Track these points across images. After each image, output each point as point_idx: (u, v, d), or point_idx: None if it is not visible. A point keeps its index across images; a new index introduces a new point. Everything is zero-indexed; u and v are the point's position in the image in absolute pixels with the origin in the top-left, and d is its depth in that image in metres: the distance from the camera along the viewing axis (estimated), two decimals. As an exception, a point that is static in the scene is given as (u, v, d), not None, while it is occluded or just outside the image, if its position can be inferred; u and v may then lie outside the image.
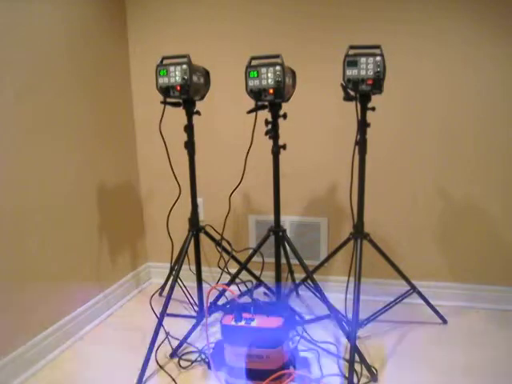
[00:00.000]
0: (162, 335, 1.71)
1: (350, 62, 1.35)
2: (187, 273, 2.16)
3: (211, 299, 1.90)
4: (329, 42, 1.84)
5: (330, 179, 1.97)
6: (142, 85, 2.11)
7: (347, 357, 1.53)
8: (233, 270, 2.09)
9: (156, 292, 1.99)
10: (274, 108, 1.52)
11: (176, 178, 1.71)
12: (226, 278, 1.92)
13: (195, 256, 1.77)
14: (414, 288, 1.72)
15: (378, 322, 1.79)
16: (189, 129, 1.62)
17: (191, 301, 2.04)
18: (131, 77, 2.12)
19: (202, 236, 2.06)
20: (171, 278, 1.97)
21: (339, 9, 1.80)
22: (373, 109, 1.47)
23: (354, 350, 1.40)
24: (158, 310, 1.94)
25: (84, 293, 1.80)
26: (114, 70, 1.97)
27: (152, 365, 1.53)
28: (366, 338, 1.68)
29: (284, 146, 1.57)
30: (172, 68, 1.46)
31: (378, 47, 1.36)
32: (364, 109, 1.46)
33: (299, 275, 2.03)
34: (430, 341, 1.64)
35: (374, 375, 1.42)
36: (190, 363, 1.55)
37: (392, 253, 1.96)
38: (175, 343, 1.65)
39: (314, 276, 1.99)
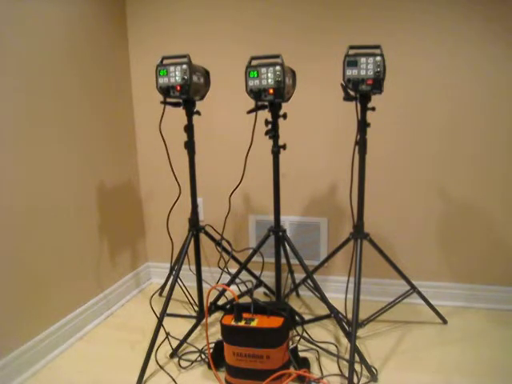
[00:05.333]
0: (161, 335, 1.71)
1: (350, 61, 1.35)
2: (187, 273, 2.16)
3: (211, 299, 1.90)
4: (329, 42, 1.84)
5: (329, 179, 1.97)
6: (142, 85, 2.11)
7: (347, 357, 1.53)
8: (233, 270, 2.10)
9: (156, 292, 1.99)
10: (274, 108, 1.52)
11: (176, 177, 1.71)
12: (226, 278, 1.92)
13: (195, 256, 1.77)
14: (414, 288, 1.71)
15: (377, 322, 1.79)
16: (189, 129, 1.62)
17: (191, 301, 2.04)
18: (131, 77, 2.12)
19: (202, 236, 2.07)
20: (171, 277, 1.98)
21: (339, 8, 1.80)
22: (373, 109, 1.47)
23: (354, 350, 1.40)
24: (158, 310, 1.95)
25: (84, 293, 1.80)
26: (114, 70, 1.97)
27: (152, 365, 1.54)
28: (366, 337, 1.68)
29: (284, 146, 1.57)
30: (172, 68, 1.46)
31: (378, 47, 1.36)
32: (364, 109, 1.46)
33: (299, 275, 2.03)
34: (430, 341, 1.64)
35: (373, 375, 1.42)
36: (190, 363, 1.55)
37: (392, 253, 1.96)
38: (175, 343, 1.65)
39: (314, 276, 2.00)
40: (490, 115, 1.75)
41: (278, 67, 1.38)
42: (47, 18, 1.56)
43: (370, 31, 1.78)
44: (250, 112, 1.52)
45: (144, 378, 1.46)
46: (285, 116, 1.55)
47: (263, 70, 1.40)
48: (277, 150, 1.56)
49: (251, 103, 1.51)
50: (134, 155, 2.17)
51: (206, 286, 2.18)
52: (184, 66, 1.45)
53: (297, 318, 1.72)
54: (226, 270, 1.84)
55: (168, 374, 1.49)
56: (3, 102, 1.39)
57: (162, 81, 1.49)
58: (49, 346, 1.60)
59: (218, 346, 1.48)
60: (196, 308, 1.97)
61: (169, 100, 1.54)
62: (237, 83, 1.96)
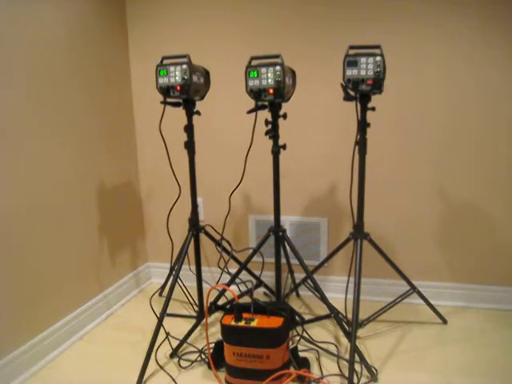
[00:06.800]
0: (162, 335, 1.71)
1: (350, 61, 1.35)
2: (187, 273, 2.16)
3: (211, 299, 1.90)
4: (329, 42, 1.84)
5: (329, 179, 1.97)
6: (142, 85, 2.11)
7: (347, 357, 1.53)
8: (233, 270, 2.10)
9: (156, 292, 1.99)
10: (274, 108, 1.52)
11: (176, 177, 1.71)
12: (226, 278, 1.92)
13: (195, 256, 1.77)
14: (414, 288, 1.71)
15: (377, 322, 1.79)
16: (189, 129, 1.62)
17: (191, 301, 2.04)
18: (131, 77, 2.12)
19: (202, 236, 2.07)
20: (171, 277, 1.98)
21: (339, 8, 1.80)
22: (373, 109, 1.47)
23: (354, 350, 1.40)
24: (158, 310, 1.95)
25: (84, 293, 1.80)
26: (114, 70, 1.97)
27: (152, 365, 1.54)
28: (366, 337, 1.68)
29: (284, 146, 1.57)
30: (172, 68, 1.46)
31: (378, 47, 1.36)
32: (364, 109, 1.46)
33: (299, 275, 2.03)
34: (430, 341, 1.64)
35: (373, 375, 1.42)
36: (190, 363, 1.55)
37: (392, 253, 1.96)
38: (175, 343, 1.65)
39: (314, 276, 2.00)
40: (490, 115, 1.75)
41: (278, 67, 1.38)
42: (46, 18, 1.56)
43: (369, 31, 1.78)
44: (249, 112, 1.52)
45: (144, 378, 1.46)
46: (285, 116, 1.55)
47: (263, 69, 1.40)
48: (277, 150, 1.56)
49: (251, 103, 1.51)
50: (134, 155, 2.17)
51: (206, 286, 2.18)
52: (184, 66, 1.45)
53: (297, 317, 1.72)
54: (226, 269, 1.84)
55: (168, 374, 1.49)
56: (2, 103, 1.39)
57: (162, 81, 1.49)
58: (49, 345, 1.60)
59: (218, 346, 1.48)
60: (196, 308, 1.97)
61: (169, 100, 1.54)
62: (237, 83, 1.96)
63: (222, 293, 1.83)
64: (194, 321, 1.83)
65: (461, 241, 1.88)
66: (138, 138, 2.18)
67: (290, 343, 1.58)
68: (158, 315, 1.56)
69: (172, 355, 1.59)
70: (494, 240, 1.84)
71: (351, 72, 1.35)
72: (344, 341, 1.66)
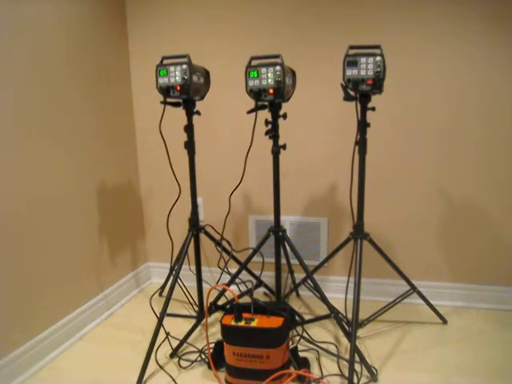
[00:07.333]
0: (162, 335, 1.71)
1: (350, 61, 1.35)
2: (187, 273, 2.16)
3: (211, 299, 1.90)
4: (329, 42, 1.84)
5: (329, 179, 1.97)
6: (142, 85, 2.11)
7: (347, 357, 1.53)
8: (233, 270, 2.10)
9: (156, 292, 1.99)
10: (274, 108, 1.52)
11: (176, 177, 1.71)
12: (226, 278, 1.92)
13: (195, 256, 1.77)
14: (414, 288, 1.72)
15: (377, 322, 1.79)
16: (189, 129, 1.62)
17: (191, 301, 2.04)
18: (131, 77, 2.12)
19: (202, 236, 2.07)
20: (171, 277, 1.98)
21: (339, 9, 1.80)
22: (373, 109, 1.47)
23: (354, 350, 1.40)
24: (158, 310, 1.95)
25: (84, 293, 1.80)
26: (114, 70, 1.97)
27: (152, 365, 1.54)
28: (366, 337, 1.68)
29: (284, 146, 1.57)
30: (172, 68, 1.46)
31: (378, 47, 1.36)
32: (364, 109, 1.46)
33: (299, 275, 2.03)
34: (430, 341, 1.64)
35: (373, 375, 1.42)
36: (190, 363, 1.55)
37: (392, 253, 1.96)
38: (175, 343, 1.65)
39: (314, 276, 2.00)
40: (490, 115, 1.75)
41: (277, 67, 1.38)
42: (46, 18, 1.56)
43: (369, 31, 1.78)
44: (249, 112, 1.52)
45: (144, 378, 1.46)
46: (285, 116, 1.54)
47: (263, 69, 1.40)
48: (277, 150, 1.56)
49: (251, 103, 1.52)
50: (133, 155, 2.17)
51: (206, 286, 2.18)
52: (184, 66, 1.45)
53: (297, 317, 1.72)
54: (226, 269, 1.84)
55: (168, 373, 1.49)
56: (2, 103, 1.39)
57: (162, 81, 1.49)
58: (49, 346, 1.60)
59: (218, 346, 1.48)
60: (196, 308, 1.97)
61: (169, 100, 1.54)
62: (237, 83, 1.96)
63: (221, 293, 1.83)
64: (194, 321, 1.83)
65: (461, 241, 1.88)
66: (138, 138, 2.18)
67: (290, 343, 1.58)
68: (158, 315, 1.56)
69: (172, 355, 1.59)
70: (494, 240, 1.84)
71: (351, 72, 1.35)
72: (344, 341, 1.66)
